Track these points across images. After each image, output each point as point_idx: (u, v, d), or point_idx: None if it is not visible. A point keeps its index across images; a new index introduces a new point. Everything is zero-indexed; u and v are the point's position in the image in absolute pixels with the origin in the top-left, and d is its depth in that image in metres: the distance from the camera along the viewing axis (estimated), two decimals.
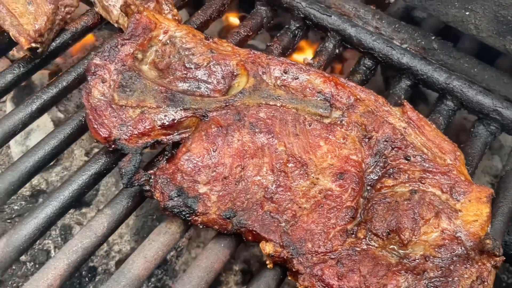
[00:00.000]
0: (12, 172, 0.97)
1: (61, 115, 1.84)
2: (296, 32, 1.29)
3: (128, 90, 1.01)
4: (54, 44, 1.17)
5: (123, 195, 0.97)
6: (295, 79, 1.07)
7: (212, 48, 1.09)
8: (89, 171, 0.99)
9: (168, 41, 1.09)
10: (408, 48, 1.22)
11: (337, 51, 1.26)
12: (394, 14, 1.36)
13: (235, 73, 1.08)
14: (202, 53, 1.08)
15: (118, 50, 1.05)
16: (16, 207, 1.67)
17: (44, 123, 1.72)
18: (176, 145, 1.01)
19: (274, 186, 0.95)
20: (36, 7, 1.13)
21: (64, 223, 1.63)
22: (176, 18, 1.22)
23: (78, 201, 0.99)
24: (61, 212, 0.95)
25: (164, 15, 1.21)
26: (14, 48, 1.23)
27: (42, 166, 1.01)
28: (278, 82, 1.07)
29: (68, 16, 1.20)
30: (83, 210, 1.66)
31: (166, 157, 0.98)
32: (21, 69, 1.13)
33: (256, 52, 1.10)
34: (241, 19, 1.93)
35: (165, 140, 1.01)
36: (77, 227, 1.64)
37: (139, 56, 1.07)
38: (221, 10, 1.33)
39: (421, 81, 1.19)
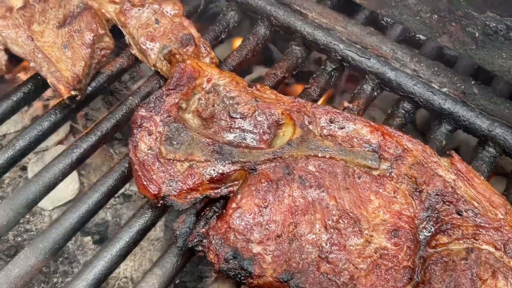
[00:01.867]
0: (57, 230, 0.94)
1: None
2: (332, 73, 1.28)
3: (175, 143, 0.99)
4: (90, 88, 1.14)
5: (172, 253, 0.94)
6: (342, 128, 1.06)
7: (256, 96, 1.07)
8: (135, 227, 0.96)
9: (211, 89, 1.07)
10: (448, 92, 1.21)
11: (375, 93, 1.25)
12: (428, 53, 1.36)
13: (280, 122, 1.06)
14: (246, 102, 1.06)
15: (164, 101, 1.02)
16: None
17: None
18: (223, 198, 0.99)
19: (328, 245, 0.92)
20: (72, 52, 1.10)
21: None
22: (214, 61, 1.20)
23: (125, 258, 0.96)
24: (110, 271, 0.92)
25: (202, 57, 1.19)
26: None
27: (86, 221, 0.98)
28: (325, 132, 1.05)
29: (104, 59, 1.17)
30: None
31: (217, 214, 0.95)
32: (58, 115, 1.10)
33: (300, 100, 1.08)
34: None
35: (213, 194, 0.98)
36: None
37: (183, 105, 1.05)
38: (255, 50, 1.31)
39: (463, 127, 1.18)
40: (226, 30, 1.34)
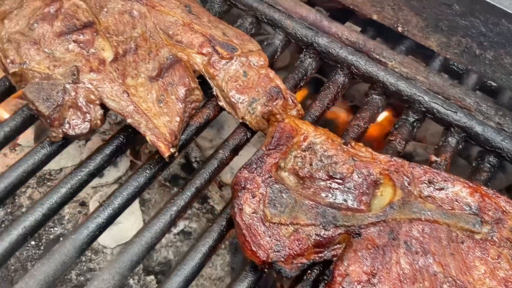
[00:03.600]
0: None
1: None
2: (415, 124, 1.27)
3: (279, 205, 0.98)
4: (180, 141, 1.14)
5: None
6: (441, 189, 1.05)
7: (353, 155, 1.07)
8: None
9: (307, 147, 1.06)
10: None
11: (460, 146, 1.24)
12: (507, 104, 1.35)
13: (378, 182, 1.05)
14: (344, 162, 1.05)
15: (264, 161, 1.02)
16: None
17: None
18: (326, 262, 0.99)
19: None
20: (167, 107, 1.10)
21: None
22: (300, 112, 1.20)
23: None
24: None
25: (289, 110, 1.18)
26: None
27: (190, 282, 0.97)
28: (425, 193, 1.04)
29: (193, 111, 1.17)
30: None
31: (325, 281, 0.95)
32: (152, 170, 1.09)
33: (397, 159, 1.07)
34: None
35: (317, 259, 0.97)
36: None
37: (282, 164, 1.04)
38: (335, 99, 1.31)
39: None
40: (305, 77, 1.34)
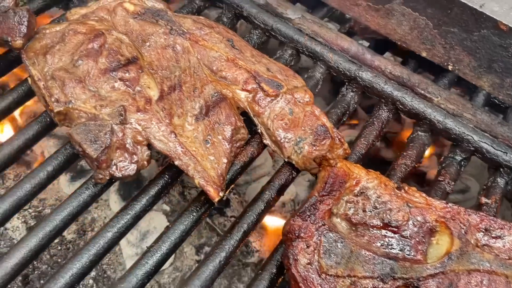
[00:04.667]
0: None
1: (167, 207, 1.78)
2: (462, 163, 1.24)
3: (334, 256, 0.95)
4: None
5: None
6: (497, 238, 1.02)
7: (407, 200, 1.04)
8: None
9: (360, 192, 1.03)
10: None
11: (509, 187, 1.21)
12: None
13: (433, 230, 1.02)
14: (399, 208, 1.02)
15: (318, 208, 0.99)
16: None
17: (161, 223, 1.66)
18: None
19: None
20: (214, 148, 1.08)
21: None
22: (347, 152, 1.17)
23: None
24: None
25: (336, 149, 1.15)
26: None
27: None
28: (482, 242, 1.01)
29: (238, 150, 1.14)
30: None
31: None
32: (199, 212, 1.07)
33: (453, 206, 1.04)
34: None
35: None
36: None
37: (334, 210, 1.01)
38: (380, 135, 1.28)
39: None
40: (347, 112, 1.31)
